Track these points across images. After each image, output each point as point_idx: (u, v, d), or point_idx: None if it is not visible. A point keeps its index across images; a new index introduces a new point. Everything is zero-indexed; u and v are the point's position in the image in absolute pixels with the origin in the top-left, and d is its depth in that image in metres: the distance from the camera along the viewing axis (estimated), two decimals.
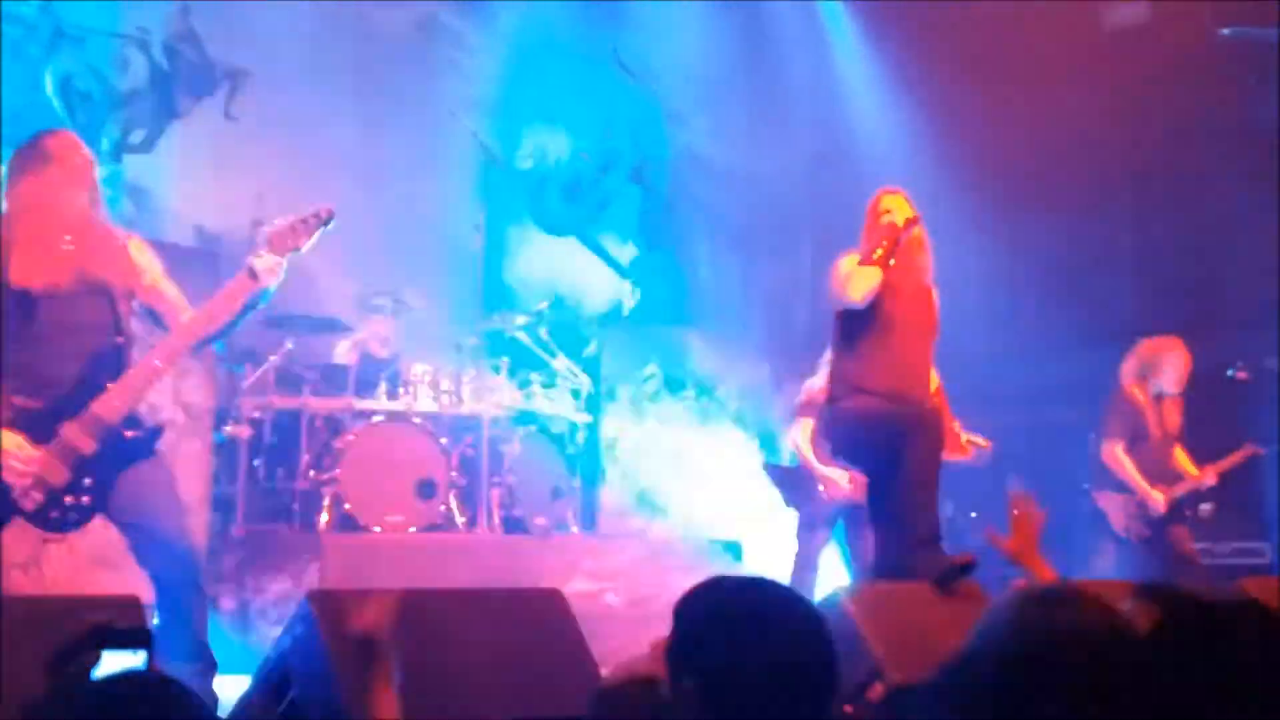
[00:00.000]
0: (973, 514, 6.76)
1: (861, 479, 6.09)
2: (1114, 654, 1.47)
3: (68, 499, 3.54)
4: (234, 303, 3.72)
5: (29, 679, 1.99)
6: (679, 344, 8.14)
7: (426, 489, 6.10)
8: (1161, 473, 6.37)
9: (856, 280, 4.64)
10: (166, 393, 5.76)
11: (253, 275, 3.68)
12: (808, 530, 6.30)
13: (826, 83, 9.43)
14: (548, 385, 7.19)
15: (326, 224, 3.79)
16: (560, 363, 7.23)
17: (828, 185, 9.42)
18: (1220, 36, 7.77)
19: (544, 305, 7.25)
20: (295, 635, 3.29)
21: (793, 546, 6.31)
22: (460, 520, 6.32)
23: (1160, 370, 6.36)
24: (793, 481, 6.38)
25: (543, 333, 7.22)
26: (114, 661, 1.77)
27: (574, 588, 5.92)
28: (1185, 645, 1.80)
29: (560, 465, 6.79)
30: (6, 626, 2.61)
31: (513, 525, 6.45)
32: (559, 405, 7.14)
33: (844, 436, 4.88)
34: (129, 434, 3.61)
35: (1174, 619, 1.86)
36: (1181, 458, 6.46)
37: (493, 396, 6.63)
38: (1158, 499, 6.30)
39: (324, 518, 5.92)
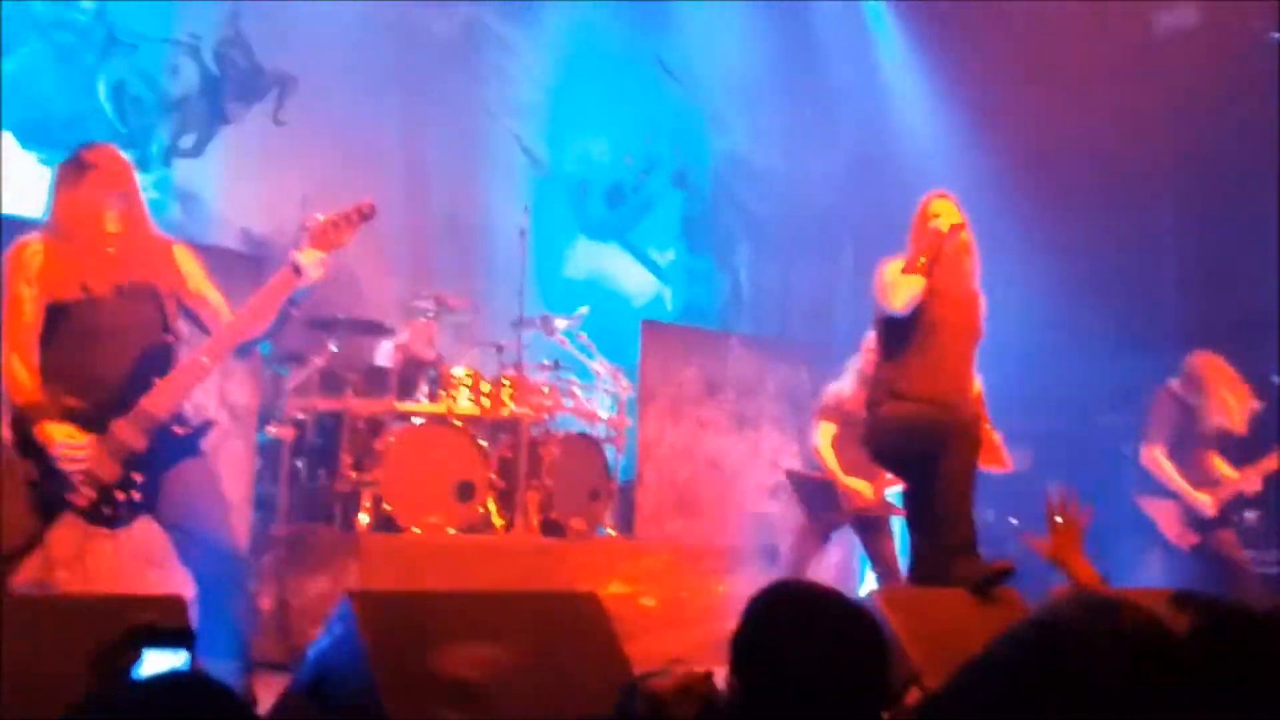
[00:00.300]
0: (1012, 519, 6.72)
1: (883, 488, 6.11)
2: (1151, 660, 1.46)
3: (119, 495, 3.58)
4: (278, 297, 3.76)
5: (73, 678, 2.05)
6: (719, 347, 8.15)
7: (465, 491, 6.14)
8: (1202, 478, 6.32)
9: (900, 289, 4.64)
10: (212, 393, 5.86)
11: (296, 270, 3.73)
12: (812, 538, 6.31)
13: (869, 85, 9.42)
14: (587, 388, 7.23)
15: (368, 218, 3.85)
16: (600, 366, 7.26)
17: (869, 188, 9.40)
18: (1270, 40, 7.69)
19: (585, 309, 7.29)
20: (334, 635, 3.34)
21: (789, 550, 6.34)
22: (498, 522, 6.36)
23: (1204, 394, 6.29)
24: (814, 490, 6.36)
25: (583, 336, 7.26)
26: (157, 661, 1.82)
27: (610, 590, 5.95)
28: (1222, 652, 1.80)
29: (599, 468, 6.81)
30: (51, 625, 2.67)
31: (550, 528, 6.48)
32: (598, 408, 7.18)
33: (883, 442, 4.87)
34: (178, 430, 3.67)
35: (1212, 626, 1.87)
36: (1219, 463, 6.39)
37: (532, 399, 6.67)
38: (1206, 501, 6.24)
39: (364, 518, 5.98)
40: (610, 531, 6.89)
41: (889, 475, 6.11)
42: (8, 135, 6.80)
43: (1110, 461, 7.21)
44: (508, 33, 8.66)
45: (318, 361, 6.43)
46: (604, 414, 7.17)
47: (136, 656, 1.78)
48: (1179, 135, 7.97)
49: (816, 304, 9.26)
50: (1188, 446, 6.32)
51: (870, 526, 6.27)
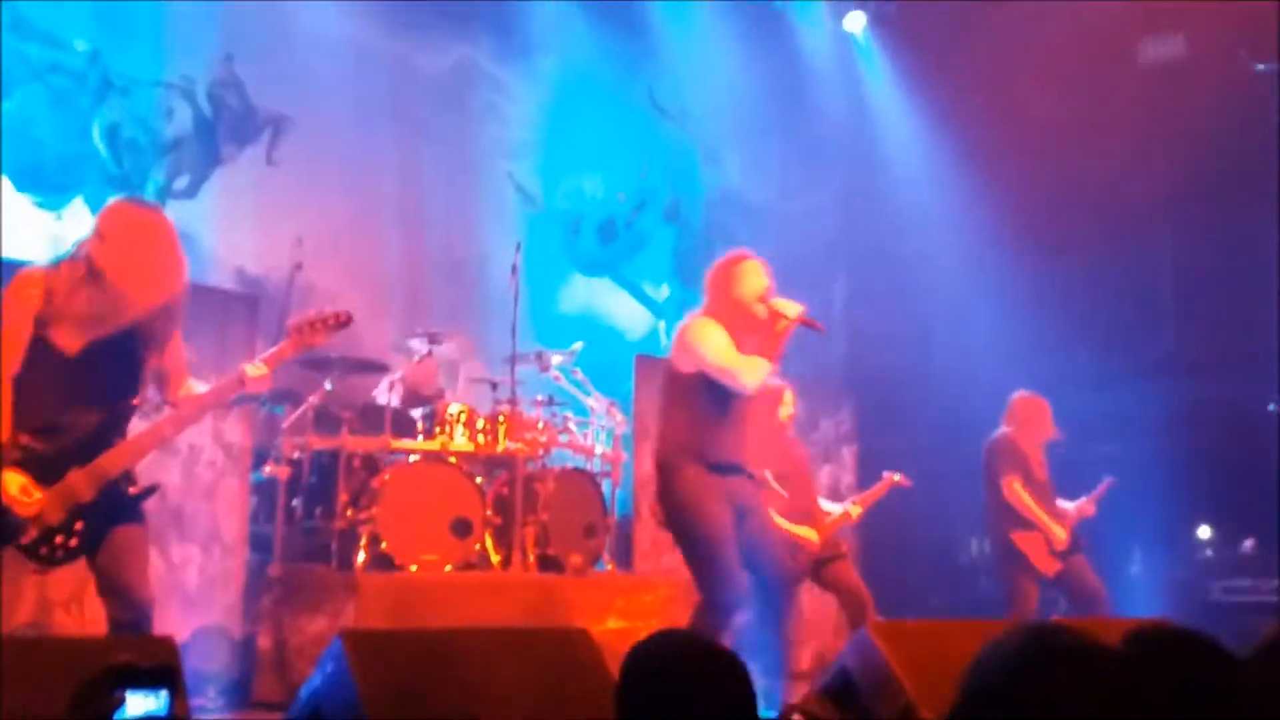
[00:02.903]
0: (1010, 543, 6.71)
1: (829, 530, 6.13)
2: (1096, 684, 1.53)
3: (58, 539, 3.77)
4: (224, 398, 4.13)
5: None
6: None
7: (462, 528, 6.14)
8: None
9: (751, 371, 4.66)
10: (207, 432, 5.87)
11: (241, 381, 4.00)
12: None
13: (860, 120, 9.49)
14: (582, 423, 7.23)
15: (344, 326, 4.18)
16: (595, 401, 7.27)
17: (861, 221, 9.47)
18: (1256, 71, 7.75)
19: (579, 344, 7.31)
20: (326, 673, 3.34)
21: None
22: (495, 559, 6.35)
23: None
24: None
25: (577, 371, 7.27)
26: (139, 703, 1.81)
27: (608, 626, 5.94)
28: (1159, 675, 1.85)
29: (595, 503, 6.81)
30: (41, 665, 2.67)
31: (547, 564, 6.47)
32: (594, 443, 7.19)
33: (671, 501, 4.78)
34: (127, 490, 3.88)
35: (1147, 651, 1.93)
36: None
37: (527, 435, 6.68)
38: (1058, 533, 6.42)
39: (361, 557, 5.97)
40: (608, 566, 6.87)
41: (830, 516, 6.23)
42: (3, 179, 6.85)
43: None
44: (500, 73, 8.73)
45: (313, 400, 6.44)
46: (600, 449, 7.17)
47: (117, 698, 1.78)
48: (1168, 165, 8.03)
49: (810, 338, 9.25)
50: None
51: (828, 566, 6.25)
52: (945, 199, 8.67)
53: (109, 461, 3.81)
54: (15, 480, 3.69)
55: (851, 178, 9.55)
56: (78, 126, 7.14)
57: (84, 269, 3.77)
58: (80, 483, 3.79)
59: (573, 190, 8.98)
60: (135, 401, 3.94)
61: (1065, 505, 6.54)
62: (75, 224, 6.99)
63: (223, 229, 7.54)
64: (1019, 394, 6.58)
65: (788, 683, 4.93)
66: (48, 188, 7.01)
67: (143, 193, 7.33)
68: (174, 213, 7.38)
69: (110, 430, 3.85)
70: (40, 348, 3.75)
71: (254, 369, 4.00)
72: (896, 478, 6.43)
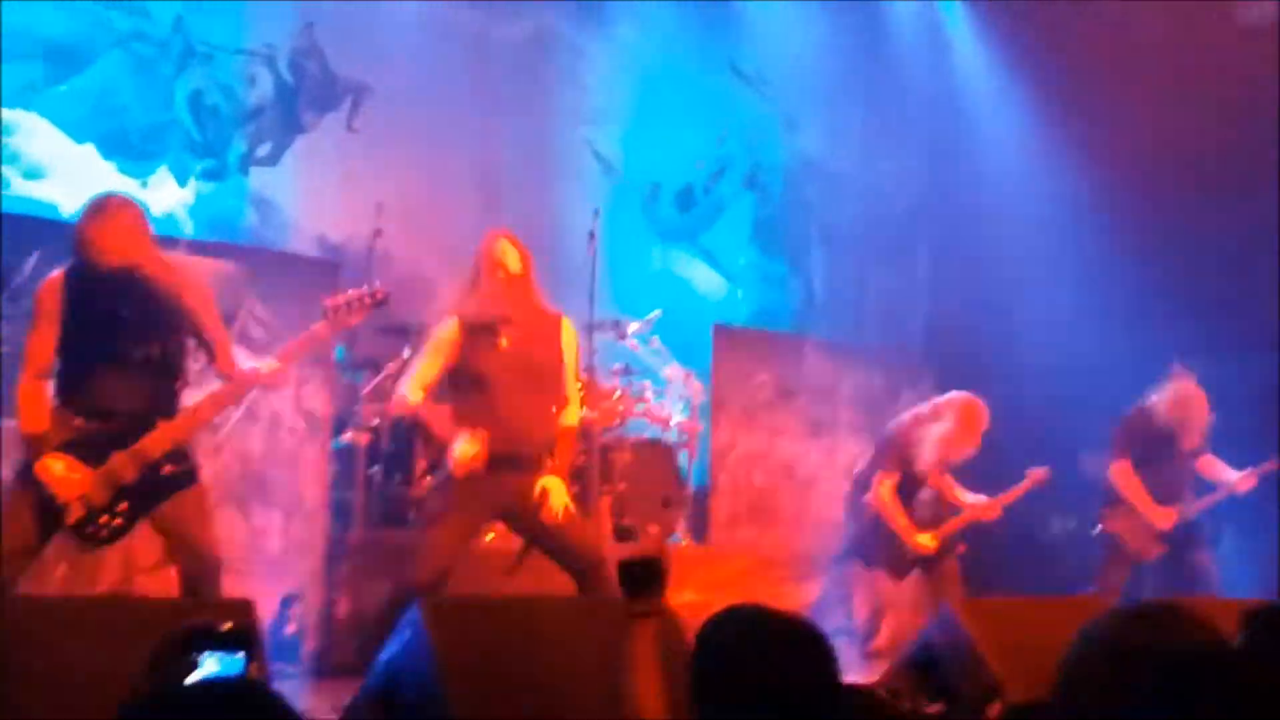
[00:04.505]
0: (1095, 530, 6.57)
1: (945, 535, 6.06)
2: (1209, 671, 1.45)
3: (103, 518, 3.97)
4: (243, 391, 4.38)
5: (137, 680, 2.06)
6: (792, 352, 8.06)
7: None
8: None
9: None
10: (288, 400, 5.92)
11: (258, 373, 4.20)
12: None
13: (944, 86, 9.28)
14: (659, 393, 7.19)
15: (380, 304, 4.30)
16: (672, 370, 7.22)
17: (944, 190, 9.26)
18: None
19: (657, 313, 7.26)
20: (404, 640, 3.34)
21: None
22: None
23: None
24: (880, 543, 6.24)
25: (654, 340, 7.22)
26: (215, 664, 1.81)
27: (684, 599, 5.90)
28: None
29: (671, 474, 6.77)
30: (123, 626, 2.70)
31: (623, 534, 6.45)
32: (670, 413, 7.14)
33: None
34: (168, 469, 4.04)
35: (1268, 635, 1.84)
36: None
37: (604, 404, 6.65)
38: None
39: None
40: (684, 538, 6.83)
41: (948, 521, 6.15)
42: (89, 146, 6.94)
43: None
44: (579, 39, 8.67)
45: (391, 368, 6.47)
46: (676, 419, 7.12)
47: (193, 659, 1.79)
48: (1260, 133, 7.73)
49: (891, 308, 9.13)
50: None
51: (935, 567, 6.19)
52: (1032, 165, 8.44)
53: (151, 443, 3.99)
54: (58, 464, 3.88)
55: (935, 144, 9.34)
56: (161, 94, 7.21)
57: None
58: (123, 464, 3.96)
59: (651, 158, 8.90)
60: (176, 385, 4.11)
61: (1230, 474, 6.33)
62: (159, 191, 7.07)
63: (304, 196, 7.59)
64: (1178, 370, 6.34)
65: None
66: (132, 155, 7.08)
67: (224, 160, 7.40)
68: (255, 180, 7.51)
69: (153, 414, 4.03)
70: (87, 330, 3.94)
71: (266, 365, 4.17)
72: (1040, 473, 6.27)
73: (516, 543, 4.91)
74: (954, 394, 6.18)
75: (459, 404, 4.48)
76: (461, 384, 4.50)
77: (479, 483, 4.36)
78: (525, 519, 4.51)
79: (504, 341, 4.45)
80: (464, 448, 4.29)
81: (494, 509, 4.53)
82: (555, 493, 4.43)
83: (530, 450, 4.45)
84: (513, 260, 4.59)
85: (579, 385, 4.91)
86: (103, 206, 4.03)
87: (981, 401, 6.06)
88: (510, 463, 4.41)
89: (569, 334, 4.73)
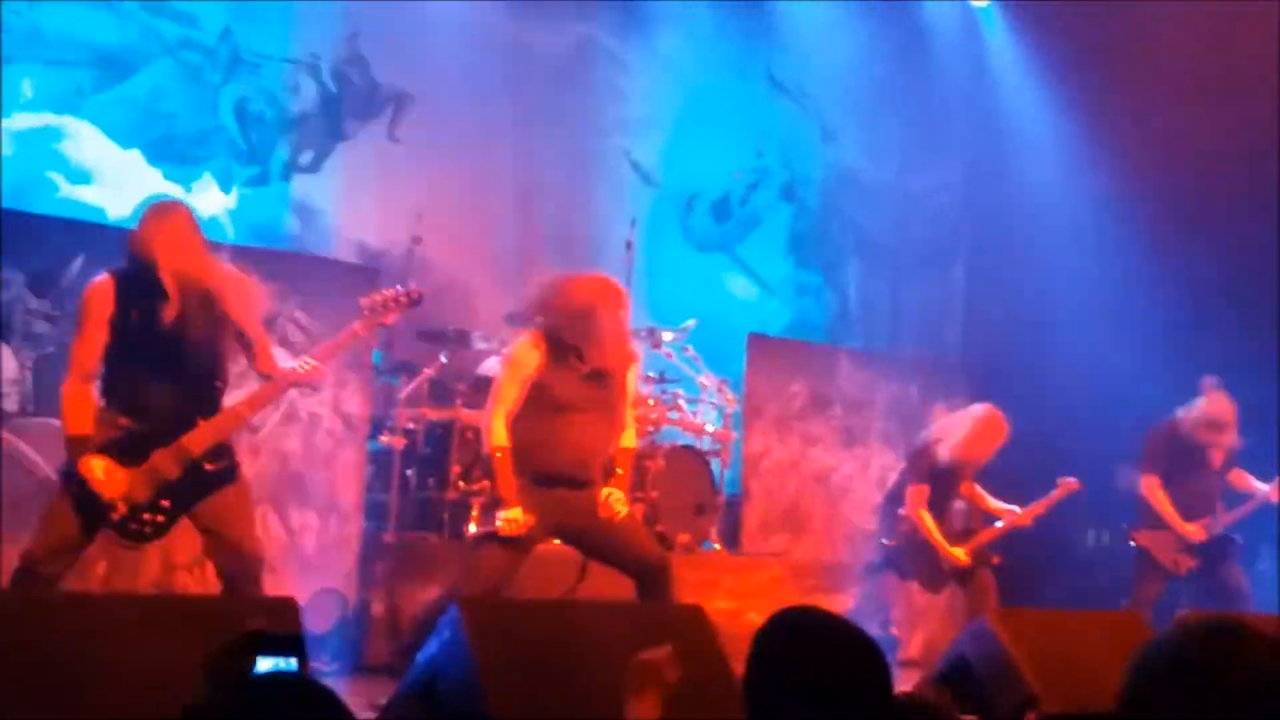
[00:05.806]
0: (1131, 542, 6.53)
1: (978, 545, 6.08)
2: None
3: (145, 515, 4.03)
4: (280, 392, 4.43)
5: (185, 675, 2.11)
6: (827, 362, 8.07)
7: None
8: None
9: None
10: (327, 402, 6.00)
11: (286, 376, 4.28)
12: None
13: (983, 96, 9.25)
14: (693, 401, 7.22)
15: (416, 305, 4.39)
16: (706, 379, 7.25)
17: (982, 201, 9.24)
18: None
19: (692, 322, 7.29)
20: (442, 640, 3.39)
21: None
22: None
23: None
24: (913, 555, 6.25)
25: (689, 349, 7.25)
26: (269, 665, 1.86)
27: (716, 606, 5.92)
28: None
29: (704, 482, 6.79)
30: (173, 625, 2.75)
31: (656, 541, 6.47)
32: (704, 421, 7.16)
33: None
34: (209, 466, 4.10)
35: None
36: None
37: (638, 411, 6.68)
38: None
39: (472, 528, 6.04)
40: (716, 546, 6.86)
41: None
42: (135, 152, 7.07)
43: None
44: (620, 50, 8.72)
45: (428, 372, 6.53)
46: (710, 427, 7.15)
47: (251, 662, 1.85)
48: None
49: (927, 319, 9.12)
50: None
51: (970, 579, 6.19)
52: (1070, 176, 8.40)
53: (192, 441, 4.04)
54: (99, 464, 3.95)
55: (974, 155, 9.31)
56: (208, 102, 7.33)
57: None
58: (164, 462, 4.03)
59: (688, 168, 8.94)
60: (217, 384, 4.17)
61: (1261, 486, 6.31)
62: (203, 197, 7.18)
63: (345, 203, 7.68)
64: (1209, 383, 6.31)
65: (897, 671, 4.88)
66: (178, 161, 7.21)
67: (267, 167, 7.51)
68: (298, 187, 7.61)
69: (194, 413, 4.09)
70: (130, 333, 3.99)
71: (306, 362, 4.23)
72: (1072, 482, 6.26)
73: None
74: (977, 405, 6.23)
75: (530, 423, 4.45)
76: (538, 405, 4.47)
77: (537, 500, 4.40)
78: (584, 533, 4.54)
79: (585, 368, 4.46)
80: (514, 518, 4.31)
81: (551, 528, 4.53)
82: (618, 498, 4.47)
83: (590, 473, 4.50)
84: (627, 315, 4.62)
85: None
86: (162, 210, 4.11)
87: (1003, 416, 6.08)
88: (570, 482, 4.46)
89: (637, 367, 4.80)
